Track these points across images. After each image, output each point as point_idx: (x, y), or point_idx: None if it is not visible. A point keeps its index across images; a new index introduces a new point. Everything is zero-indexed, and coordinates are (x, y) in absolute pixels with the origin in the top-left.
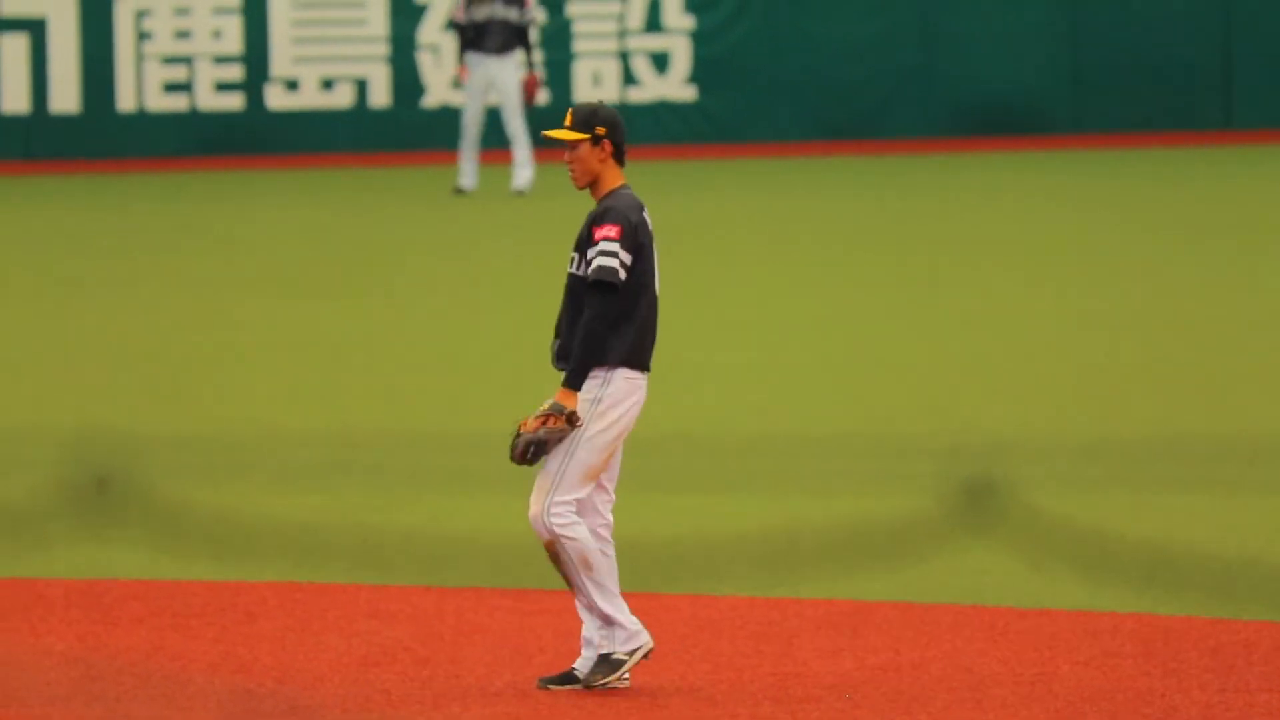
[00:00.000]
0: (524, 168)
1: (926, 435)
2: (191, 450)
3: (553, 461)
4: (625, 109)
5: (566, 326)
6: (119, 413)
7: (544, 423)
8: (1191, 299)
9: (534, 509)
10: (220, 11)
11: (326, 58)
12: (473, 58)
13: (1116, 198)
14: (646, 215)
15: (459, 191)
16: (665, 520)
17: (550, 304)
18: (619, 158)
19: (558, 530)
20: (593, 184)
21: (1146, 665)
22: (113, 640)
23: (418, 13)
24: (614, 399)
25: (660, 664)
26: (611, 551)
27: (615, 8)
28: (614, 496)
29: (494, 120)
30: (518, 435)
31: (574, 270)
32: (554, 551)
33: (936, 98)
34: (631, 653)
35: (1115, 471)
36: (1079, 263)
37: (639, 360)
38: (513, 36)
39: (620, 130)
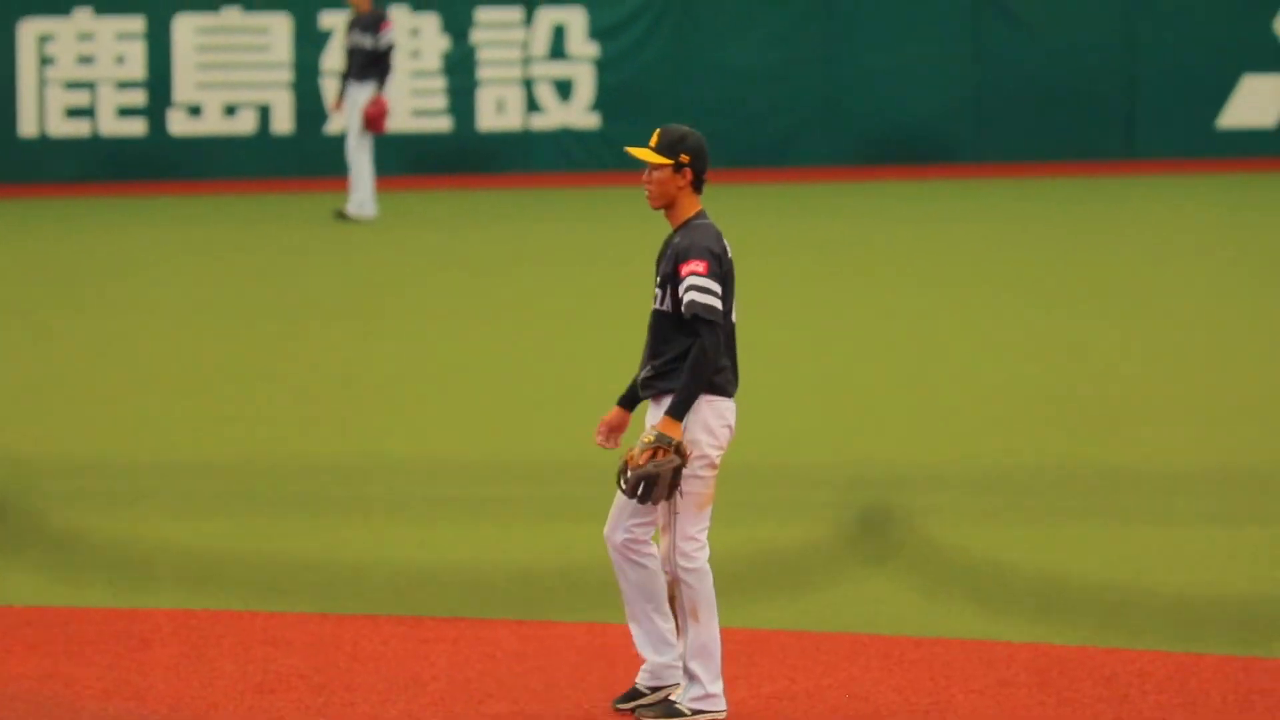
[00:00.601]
0: (356, 191)
1: (825, 465)
2: (88, 477)
3: (663, 502)
4: (528, 136)
5: (649, 359)
6: (15, 438)
7: (653, 455)
8: (1090, 328)
9: (661, 549)
10: (123, 37)
11: (229, 84)
12: (346, 87)
13: (1018, 227)
14: (726, 244)
15: (354, 219)
16: (562, 548)
17: (447, 330)
18: (697, 186)
19: (681, 571)
20: (668, 207)
21: (1041, 695)
22: (5, 668)
23: (321, 39)
24: (702, 426)
25: (556, 692)
26: (651, 564)
27: (519, 35)
28: (651, 527)
29: (382, 145)
30: (625, 469)
31: (659, 306)
32: (672, 592)
33: (842, 126)
34: (696, 711)
35: (1012, 501)
36: (979, 292)
37: (719, 386)
38: (369, 63)
39: (704, 159)
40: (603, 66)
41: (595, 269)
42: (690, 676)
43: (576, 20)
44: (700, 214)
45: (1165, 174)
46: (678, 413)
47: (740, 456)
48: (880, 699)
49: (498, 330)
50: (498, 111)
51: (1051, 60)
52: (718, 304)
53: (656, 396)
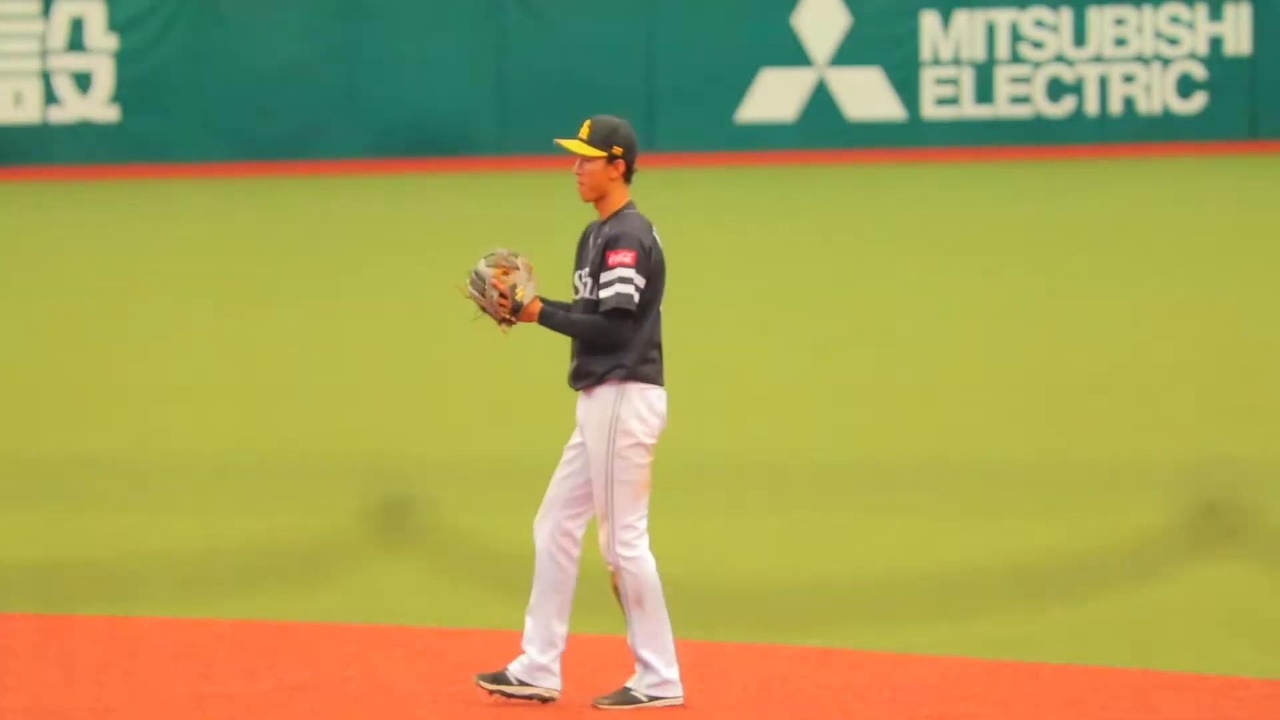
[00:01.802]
0: None
1: (346, 455)
2: None
3: (598, 493)
4: (47, 129)
5: (581, 350)
6: None
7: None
8: None
9: (601, 539)
10: None
11: None
12: None
13: (538, 220)
14: (657, 234)
15: None
16: (84, 541)
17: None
18: (629, 176)
19: (621, 560)
20: (599, 198)
21: (569, 682)
22: None
23: None
24: (632, 412)
25: (77, 685)
26: (569, 566)
27: (37, 26)
28: (584, 517)
29: None
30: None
31: (586, 294)
32: (614, 582)
33: (363, 119)
34: (653, 698)
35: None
36: None
37: (648, 375)
38: None
39: (634, 151)
40: (122, 59)
41: (97, 264)
42: (644, 665)
43: (95, 12)
44: (630, 204)
45: (685, 166)
46: (551, 320)
47: (261, 447)
48: (404, 689)
49: (33, 322)
50: (15, 104)
51: (572, 54)
52: (635, 297)
53: (589, 389)
